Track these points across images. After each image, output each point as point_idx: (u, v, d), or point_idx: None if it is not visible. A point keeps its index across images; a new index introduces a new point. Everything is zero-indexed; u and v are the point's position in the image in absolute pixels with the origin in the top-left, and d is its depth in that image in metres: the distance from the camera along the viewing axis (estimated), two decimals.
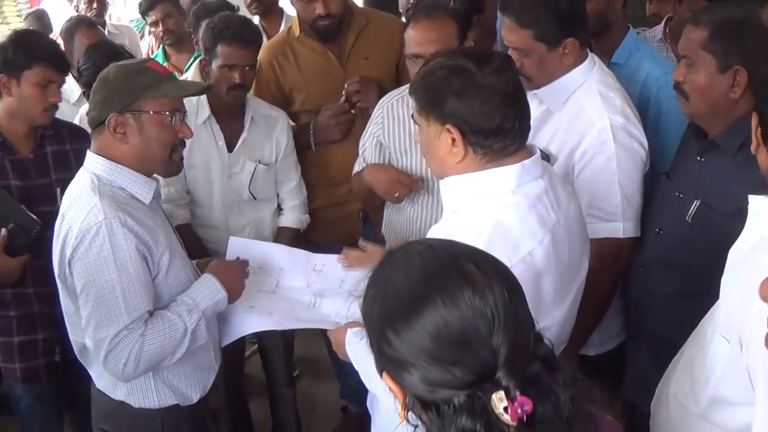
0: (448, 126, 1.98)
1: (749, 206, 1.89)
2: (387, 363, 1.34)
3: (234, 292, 2.62)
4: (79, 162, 3.17)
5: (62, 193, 3.03)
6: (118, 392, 2.58)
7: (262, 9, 5.13)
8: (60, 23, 5.27)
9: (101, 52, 3.63)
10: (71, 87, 4.01)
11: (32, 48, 3.12)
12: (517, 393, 1.22)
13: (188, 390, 2.64)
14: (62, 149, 3.25)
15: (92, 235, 2.33)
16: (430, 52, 2.81)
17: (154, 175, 2.56)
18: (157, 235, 2.44)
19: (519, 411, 1.21)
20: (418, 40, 2.99)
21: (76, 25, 4.59)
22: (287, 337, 3.95)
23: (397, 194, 3.15)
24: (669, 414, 2.10)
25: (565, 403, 1.26)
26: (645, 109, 3.11)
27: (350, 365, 3.98)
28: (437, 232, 2.00)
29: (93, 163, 2.48)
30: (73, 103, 4.30)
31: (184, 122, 2.55)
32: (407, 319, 1.29)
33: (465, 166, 2.02)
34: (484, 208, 1.99)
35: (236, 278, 2.64)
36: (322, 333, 4.18)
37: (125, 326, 2.34)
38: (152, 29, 5.26)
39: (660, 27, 4.18)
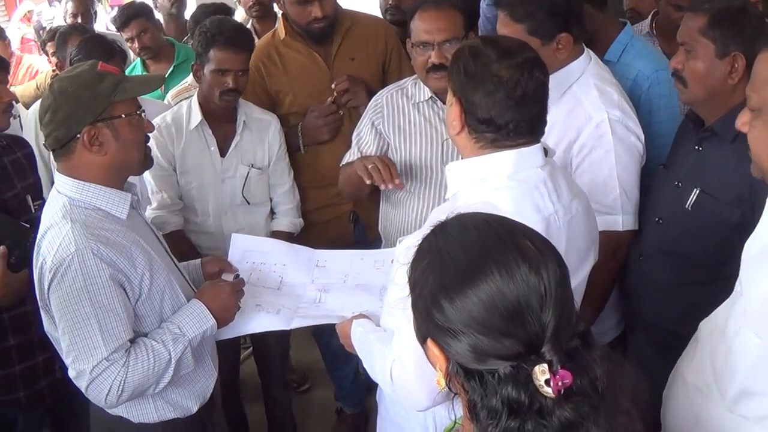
0: (456, 97, 2.06)
1: None
2: (435, 330, 1.36)
3: (225, 317, 2.56)
4: (32, 167, 3.16)
5: (33, 200, 2.99)
6: (116, 409, 2.52)
7: (263, 12, 5.10)
8: None
9: (94, 46, 3.61)
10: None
11: None
12: (559, 367, 1.26)
13: (187, 402, 2.60)
14: (16, 158, 3.17)
15: (64, 268, 2.26)
16: (439, 40, 2.90)
17: (129, 183, 2.51)
18: (135, 257, 2.36)
19: (560, 384, 1.24)
20: (427, 28, 3.03)
21: (69, 32, 4.55)
22: (282, 340, 3.94)
23: (368, 182, 2.96)
24: (690, 404, 2.10)
25: (601, 378, 1.30)
26: (636, 106, 3.11)
27: (345, 368, 4.03)
28: (437, 214, 2.00)
29: (63, 185, 2.39)
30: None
31: (145, 117, 2.51)
32: (463, 288, 1.31)
33: (462, 142, 2.10)
34: (479, 192, 2.01)
35: (228, 302, 2.56)
36: (314, 335, 4.24)
37: (104, 358, 2.29)
38: (129, 45, 5.18)
39: (647, 21, 4.21)
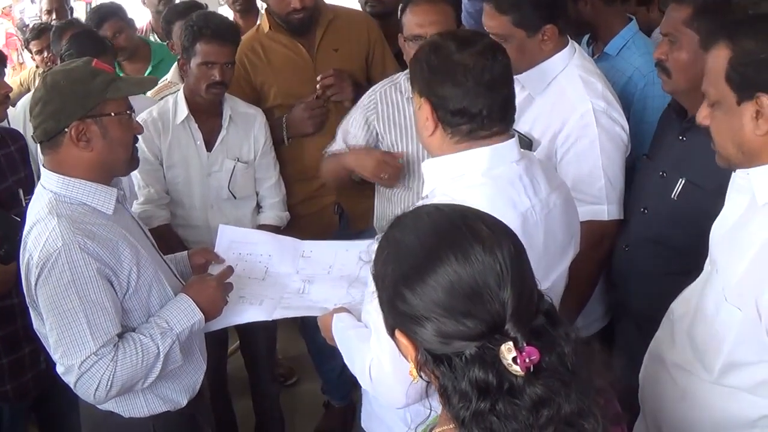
0: (423, 99, 2.05)
1: (734, 179, 2.02)
2: (401, 319, 1.39)
3: (212, 311, 2.56)
4: (24, 161, 3.16)
5: (24, 194, 2.99)
6: (106, 404, 2.52)
7: (246, 6, 5.12)
8: None
9: (84, 40, 3.60)
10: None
11: None
12: (525, 344, 1.28)
13: (176, 395, 2.60)
14: (8, 151, 3.18)
15: (51, 263, 2.26)
16: (430, 33, 2.86)
17: (116, 178, 2.50)
18: (121, 251, 2.36)
19: (527, 361, 1.26)
20: (419, 21, 3.05)
21: (65, 27, 4.52)
22: (270, 334, 3.96)
23: (386, 176, 3.17)
24: (674, 383, 2.14)
25: (569, 354, 1.33)
26: (629, 103, 3.15)
27: (331, 362, 4.04)
28: None
29: (49, 181, 2.39)
30: None
31: (135, 118, 2.52)
32: (421, 275, 1.34)
33: (437, 142, 2.08)
34: (454, 189, 2.01)
35: (215, 296, 2.56)
36: (300, 330, 4.24)
37: (93, 353, 2.29)
38: None
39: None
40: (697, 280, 2.17)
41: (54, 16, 5.98)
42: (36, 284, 2.32)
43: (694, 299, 2.12)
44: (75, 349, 2.29)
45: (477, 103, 2.00)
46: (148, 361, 2.37)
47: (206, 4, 4.74)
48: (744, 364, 1.94)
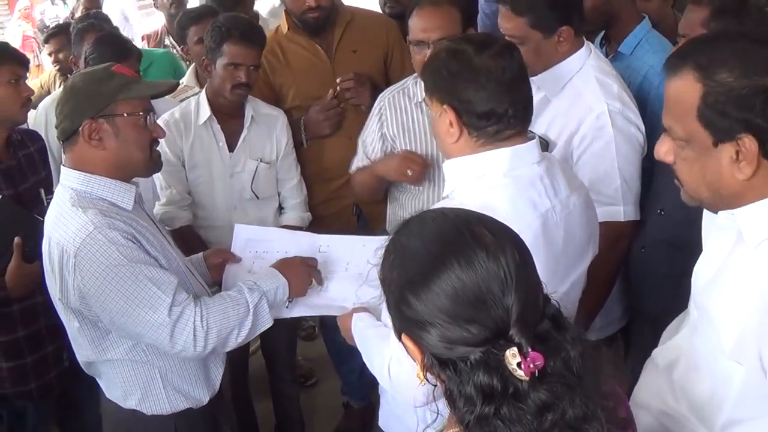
0: (445, 106, 2.05)
1: (718, 221, 1.82)
2: (407, 324, 1.40)
3: (298, 285, 2.62)
4: (44, 161, 3.23)
5: (45, 194, 3.04)
6: (129, 401, 2.55)
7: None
8: None
9: (109, 43, 3.65)
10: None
11: None
12: (529, 349, 1.29)
13: (197, 392, 2.62)
14: (29, 152, 3.26)
15: (89, 247, 2.29)
16: (434, 39, 2.88)
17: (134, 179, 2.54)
18: (143, 240, 2.41)
19: (531, 366, 1.28)
20: (424, 26, 3.03)
21: (86, 29, 4.58)
22: (290, 334, 3.98)
23: (410, 173, 3.17)
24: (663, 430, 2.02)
25: (575, 359, 1.34)
26: (644, 102, 3.13)
27: (351, 363, 4.05)
28: None
29: (69, 179, 2.44)
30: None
31: (156, 122, 2.55)
32: (426, 281, 1.35)
33: (461, 148, 2.09)
34: (475, 190, 2.03)
35: (300, 271, 2.64)
36: (320, 330, 4.25)
37: (171, 304, 2.32)
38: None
39: None
40: (682, 326, 2.03)
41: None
42: (77, 277, 2.32)
43: (683, 349, 1.96)
44: (153, 310, 2.32)
45: (503, 103, 2.03)
46: (238, 311, 2.43)
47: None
48: (748, 419, 1.77)
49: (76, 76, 2.51)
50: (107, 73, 2.45)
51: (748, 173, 1.61)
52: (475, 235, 1.38)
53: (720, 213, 1.78)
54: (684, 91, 1.63)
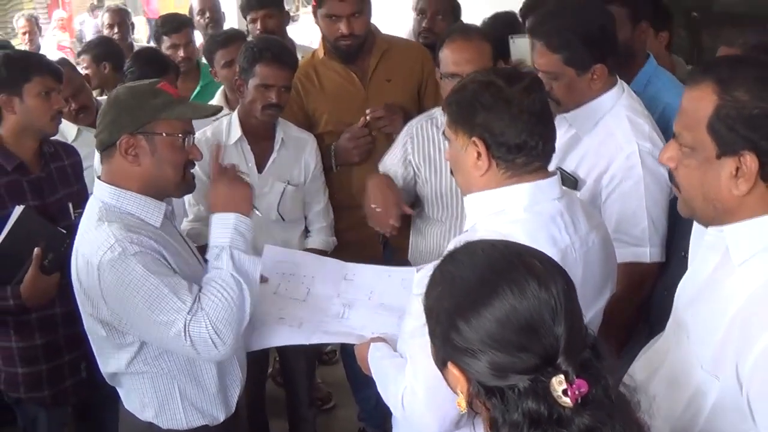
0: (474, 138, 2.06)
1: (706, 238, 1.84)
2: (454, 352, 1.42)
3: (237, 202, 2.51)
4: (77, 176, 3.25)
5: (74, 208, 3.07)
6: (146, 413, 2.56)
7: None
8: None
9: (148, 58, 3.69)
10: (67, 127, 3.91)
11: (26, 62, 3.19)
12: (575, 377, 1.32)
13: (214, 410, 2.62)
14: (62, 165, 3.30)
15: (111, 260, 2.31)
16: (466, 72, 2.84)
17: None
18: (165, 255, 2.41)
19: (576, 393, 1.31)
20: (456, 59, 3.06)
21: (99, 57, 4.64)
22: (310, 356, 3.98)
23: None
24: None
25: (613, 387, 1.37)
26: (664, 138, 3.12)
27: (369, 390, 4.04)
28: (453, 245, 2.03)
29: (101, 191, 2.47)
30: (71, 141, 4.02)
31: (195, 144, 2.55)
32: (477, 308, 1.38)
33: (487, 181, 2.09)
34: (496, 224, 2.03)
35: (229, 192, 2.53)
36: (341, 355, 4.25)
37: (188, 312, 2.31)
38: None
39: None
40: (660, 341, 2.03)
41: (116, 30, 6.10)
42: (101, 288, 2.34)
43: (659, 363, 1.96)
44: (174, 318, 2.31)
45: (534, 135, 2.04)
46: (228, 285, 2.37)
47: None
48: None
49: (120, 89, 2.53)
50: (152, 90, 2.46)
51: (744, 190, 1.68)
52: (526, 264, 1.41)
53: (709, 229, 1.83)
54: (700, 100, 1.71)
